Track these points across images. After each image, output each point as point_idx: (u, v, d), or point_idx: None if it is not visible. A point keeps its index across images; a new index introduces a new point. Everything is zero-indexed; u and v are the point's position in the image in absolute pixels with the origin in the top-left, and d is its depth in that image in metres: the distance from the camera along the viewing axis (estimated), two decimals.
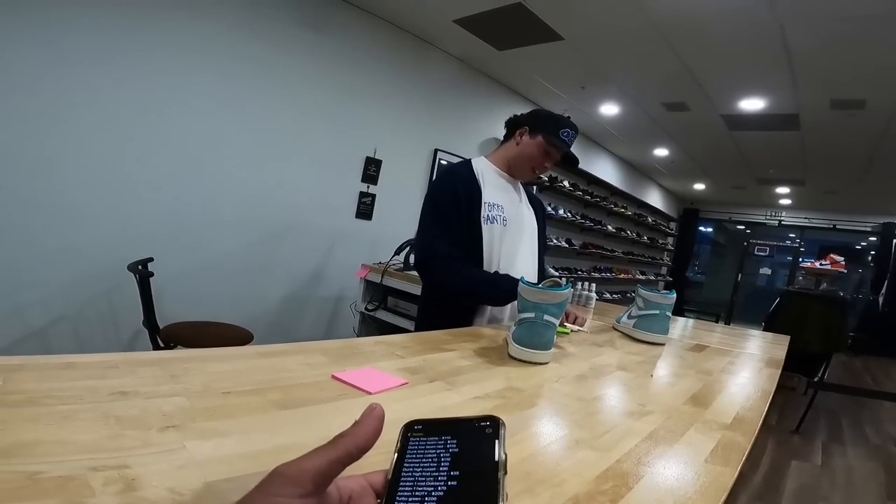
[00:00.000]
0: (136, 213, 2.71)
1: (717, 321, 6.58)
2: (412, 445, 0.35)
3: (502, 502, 0.30)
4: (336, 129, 3.58)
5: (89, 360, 0.63)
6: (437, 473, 0.32)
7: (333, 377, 0.72)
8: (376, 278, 2.75)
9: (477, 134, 4.82)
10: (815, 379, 4.28)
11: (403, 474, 0.33)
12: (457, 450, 0.33)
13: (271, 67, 3.15)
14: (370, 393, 0.68)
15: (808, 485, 2.68)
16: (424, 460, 0.33)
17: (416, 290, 2.55)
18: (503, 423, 0.35)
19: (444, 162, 4.44)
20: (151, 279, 2.23)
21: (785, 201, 9.23)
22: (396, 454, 0.35)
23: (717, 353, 1.42)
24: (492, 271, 1.49)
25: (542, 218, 1.72)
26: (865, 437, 3.66)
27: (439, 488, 0.31)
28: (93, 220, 2.57)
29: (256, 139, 3.16)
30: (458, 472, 0.32)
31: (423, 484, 0.31)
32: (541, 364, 0.98)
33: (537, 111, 1.63)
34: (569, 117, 1.61)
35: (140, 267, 2.20)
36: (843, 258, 4.70)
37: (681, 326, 1.97)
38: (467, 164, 1.57)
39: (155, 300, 2.26)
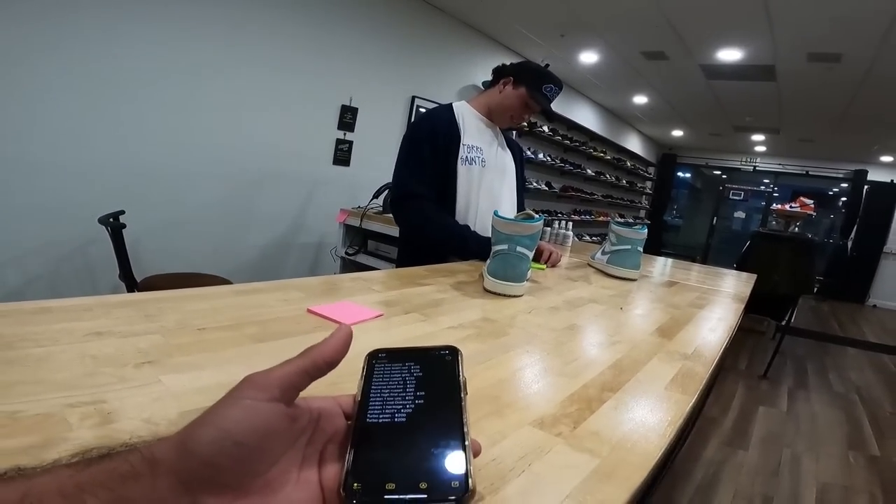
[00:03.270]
0: (107, 166, 2.61)
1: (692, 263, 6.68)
2: (378, 370, 0.37)
3: (465, 416, 0.33)
4: (310, 77, 3.47)
5: (64, 305, 0.63)
6: (404, 393, 0.35)
7: (309, 311, 0.73)
8: (356, 222, 2.73)
9: (455, 81, 4.73)
10: (783, 323, 4.44)
11: (372, 394, 0.35)
12: (420, 374, 0.36)
13: (243, 16, 3.00)
14: (345, 325, 0.69)
15: (774, 431, 2.79)
16: (391, 382, 0.36)
17: (396, 231, 2.54)
18: (461, 352, 0.39)
19: (422, 109, 4.35)
20: (126, 232, 2.20)
21: (760, 148, 9.30)
22: (363, 378, 0.37)
23: (687, 289, 1.47)
24: (471, 212, 1.53)
25: (521, 161, 1.76)
26: (829, 384, 3.81)
27: (407, 406, 0.34)
28: (62, 175, 2.47)
29: (229, 89, 3.04)
30: (423, 393, 0.35)
31: (392, 402, 0.34)
32: (515, 297, 1.01)
33: (525, 63, 1.65)
34: (547, 66, 1.64)
35: (111, 219, 2.15)
36: (812, 201, 4.79)
37: (658, 265, 2.02)
38: (448, 107, 1.60)
39: (131, 254, 2.23)
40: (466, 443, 0.32)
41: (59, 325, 0.56)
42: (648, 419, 0.54)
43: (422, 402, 0.34)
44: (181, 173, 2.92)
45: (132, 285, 2.21)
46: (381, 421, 0.33)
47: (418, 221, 1.50)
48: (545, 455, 0.43)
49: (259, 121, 3.24)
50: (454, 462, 0.30)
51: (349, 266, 2.96)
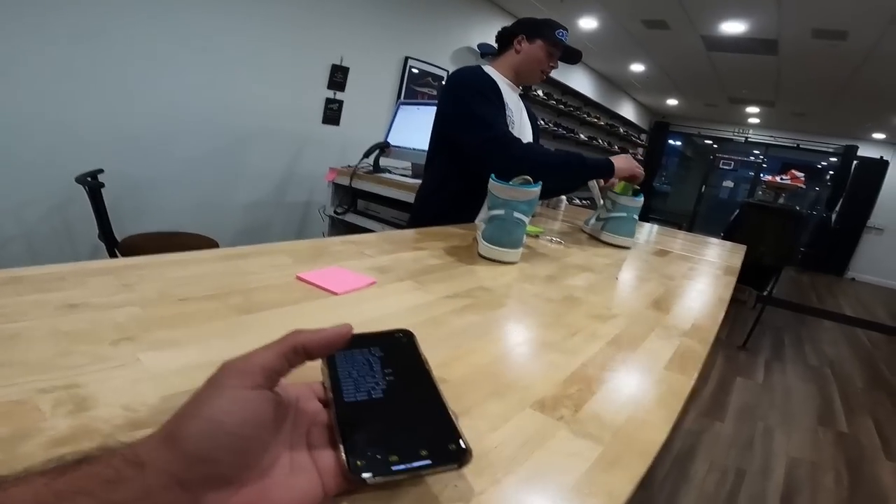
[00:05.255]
0: (84, 123, 2.50)
1: (679, 229, 6.73)
2: (340, 355, 0.37)
3: (439, 387, 0.35)
4: (300, 36, 3.35)
5: (35, 273, 0.59)
6: (372, 372, 0.36)
7: (298, 278, 0.69)
8: (345, 181, 2.67)
9: (450, 43, 4.60)
10: (765, 293, 4.50)
11: (342, 376, 0.35)
12: (382, 354, 0.38)
13: None
14: (337, 294, 0.66)
15: (750, 403, 2.84)
16: (356, 364, 0.36)
17: (387, 192, 2.49)
18: (414, 335, 0.41)
19: (415, 71, 4.25)
20: (107, 191, 2.13)
21: (753, 120, 9.28)
22: (326, 364, 0.36)
23: (680, 259, 1.46)
24: None
25: (536, 129, 1.79)
26: (805, 357, 3.87)
27: (380, 383, 0.35)
28: (37, 133, 2.36)
29: (215, 44, 2.91)
30: (390, 370, 0.36)
31: (364, 381, 0.35)
32: (510, 263, 0.98)
33: (526, 19, 1.64)
34: None
35: (89, 179, 2.07)
36: (803, 174, 4.80)
37: (645, 231, 2.01)
38: (481, 68, 1.59)
39: (112, 213, 2.16)
40: (450, 409, 0.33)
41: (30, 296, 0.52)
42: (649, 402, 0.52)
43: (392, 378, 0.35)
44: (164, 131, 2.82)
45: (112, 245, 2.15)
46: (359, 399, 0.33)
47: (528, 153, 1.36)
48: (547, 442, 0.41)
49: (246, 78, 3.13)
50: (445, 428, 0.31)
51: (338, 225, 2.91)
